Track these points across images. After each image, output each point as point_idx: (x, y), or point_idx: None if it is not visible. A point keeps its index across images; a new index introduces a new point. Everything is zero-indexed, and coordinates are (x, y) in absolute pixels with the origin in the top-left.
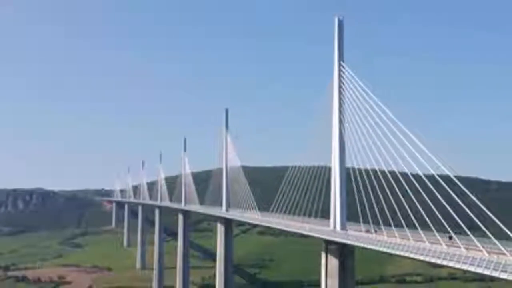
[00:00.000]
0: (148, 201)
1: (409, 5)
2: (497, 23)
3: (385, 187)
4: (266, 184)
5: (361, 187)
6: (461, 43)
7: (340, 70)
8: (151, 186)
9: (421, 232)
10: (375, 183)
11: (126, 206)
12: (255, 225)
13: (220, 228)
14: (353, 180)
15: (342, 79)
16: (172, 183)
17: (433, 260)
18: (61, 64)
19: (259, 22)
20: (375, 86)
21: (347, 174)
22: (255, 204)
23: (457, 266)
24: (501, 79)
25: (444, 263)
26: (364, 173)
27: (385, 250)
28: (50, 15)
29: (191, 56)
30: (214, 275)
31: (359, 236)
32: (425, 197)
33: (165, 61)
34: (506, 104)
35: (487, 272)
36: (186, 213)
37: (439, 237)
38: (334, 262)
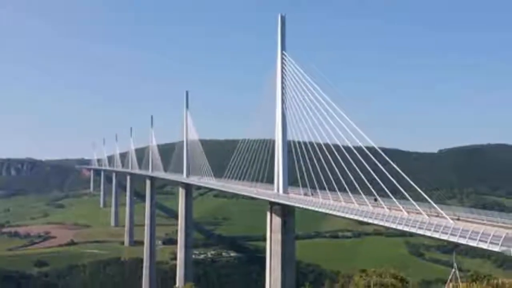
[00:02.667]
0: (120, 168)
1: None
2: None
3: (321, 157)
4: (220, 155)
5: (300, 157)
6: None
7: (282, 58)
8: (123, 156)
9: (350, 195)
10: (312, 153)
11: (102, 173)
12: (211, 189)
13: (181, 192)
14: (293, 151)
15: (284, 65)
16: (141, 153)
17: (361, 219)
18: (47, 53)
19: (223, 19)
20: (315, 72)
21: (288, 146)
22: (211, 171)
23: (381, 223)
24: (416, 63)
25: (370, 221)
26: (302, 145)
27: (320, 210)
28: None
29: (161, 46)
30: (176, 231)
31: (299, 199)
32: (354, 165)
33: (140, 50)
34: (425, 85)
35: (406, 228)
36: (152, 179)
37: (366, 199)
38: (277, 220)
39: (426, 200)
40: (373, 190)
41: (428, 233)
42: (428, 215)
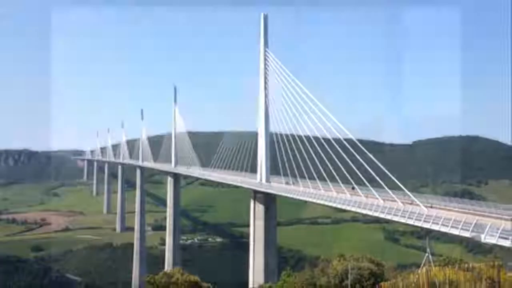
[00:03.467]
0: (112, 159)
1: None
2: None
3: (301, 148)
4: (207, 146)
5: (282, 148)
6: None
7: (265, 55)
8: (115, 147)
9: (329, 183)
10: (293, 145)
11: (95, 163)
12: (198, 178)
13: (170, 181)
14: (275, 142)
15: (267, 62)
16: (132, 144)
17: (339, 206)
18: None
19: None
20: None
21: (270, 138)
22: (197, 161)
23: (358, 210)
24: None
25: (348, 208)
26: (284, 137)
27: (301, 198)
28: None
29: (151, 45)
30: (165, 218)
31: (280, 187)
32: (333, 155)
33: (133, 47)
34: (399, 80)
35: (382, 215)
36: (143, 169)
37: (344, 188)
38: (260, 208)
39: (401, 189)
40: (350, 179)
41: (403, 220)
42: (403, 203)
